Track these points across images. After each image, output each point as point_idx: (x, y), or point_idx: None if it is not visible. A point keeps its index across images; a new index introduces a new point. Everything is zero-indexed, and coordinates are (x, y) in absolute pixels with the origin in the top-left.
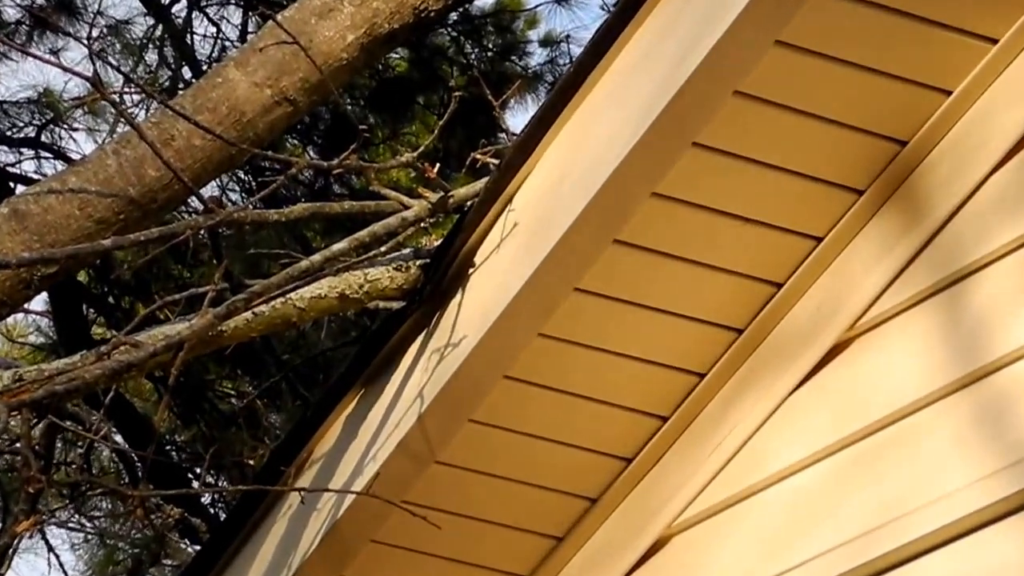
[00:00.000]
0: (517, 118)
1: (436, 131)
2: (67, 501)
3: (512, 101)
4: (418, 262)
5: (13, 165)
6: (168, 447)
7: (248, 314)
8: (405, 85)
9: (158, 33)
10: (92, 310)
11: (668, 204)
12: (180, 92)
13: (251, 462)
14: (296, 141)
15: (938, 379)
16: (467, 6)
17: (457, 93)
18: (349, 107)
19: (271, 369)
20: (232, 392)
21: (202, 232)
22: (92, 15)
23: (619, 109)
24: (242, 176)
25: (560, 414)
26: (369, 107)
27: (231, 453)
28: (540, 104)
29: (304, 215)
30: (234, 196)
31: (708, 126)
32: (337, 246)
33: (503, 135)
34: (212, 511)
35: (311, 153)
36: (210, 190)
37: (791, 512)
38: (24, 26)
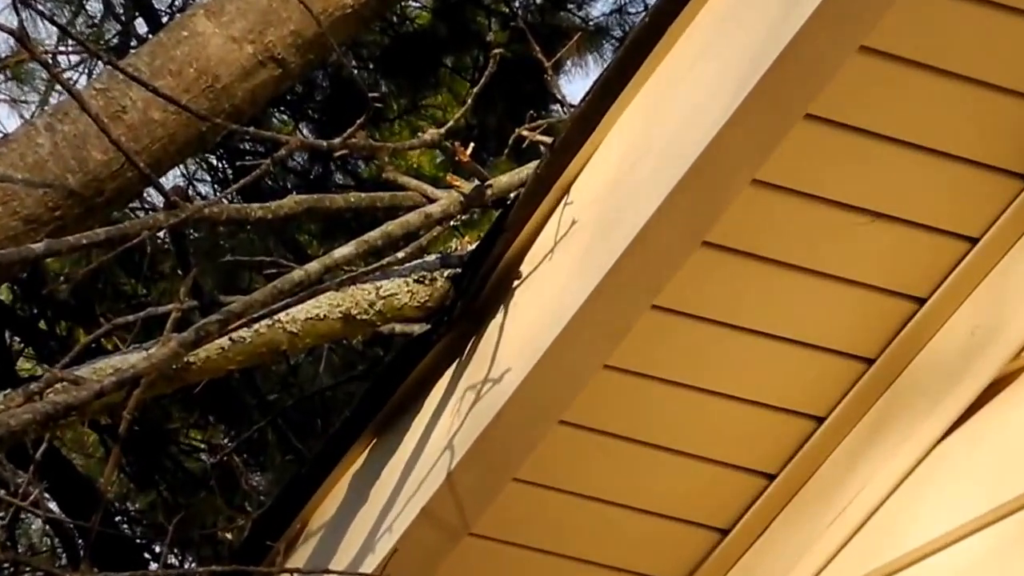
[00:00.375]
0: (575, 84)
1: (469, 101)
2: None
3: (568, 62)
4: (447, 272)
5: None
6: (118, 517)
7: (224, 341)
8: (428, 42)
9: None
10: (17, 338)
11: (773, 195)
12: (133, 50)
13: (228, 536)
14: (286, 115)
15: None
16: None
17: (497, 51)
18: (355, 70)
19: (253, 414)
20: (202, 445)
21: (163, 234)
22: None
23: (709, 72)
24: (214, 162)
25: (633, 471)
26: (381, 70)
27: (201, 524)
28: (605, 66)
29: (297, 211)
30: (204, 188)
31: (825, 92)
32: (340, 251)
33: (557, 106)
34: None
35: (304, 131)
36: (173, 178)
37: None
38: None
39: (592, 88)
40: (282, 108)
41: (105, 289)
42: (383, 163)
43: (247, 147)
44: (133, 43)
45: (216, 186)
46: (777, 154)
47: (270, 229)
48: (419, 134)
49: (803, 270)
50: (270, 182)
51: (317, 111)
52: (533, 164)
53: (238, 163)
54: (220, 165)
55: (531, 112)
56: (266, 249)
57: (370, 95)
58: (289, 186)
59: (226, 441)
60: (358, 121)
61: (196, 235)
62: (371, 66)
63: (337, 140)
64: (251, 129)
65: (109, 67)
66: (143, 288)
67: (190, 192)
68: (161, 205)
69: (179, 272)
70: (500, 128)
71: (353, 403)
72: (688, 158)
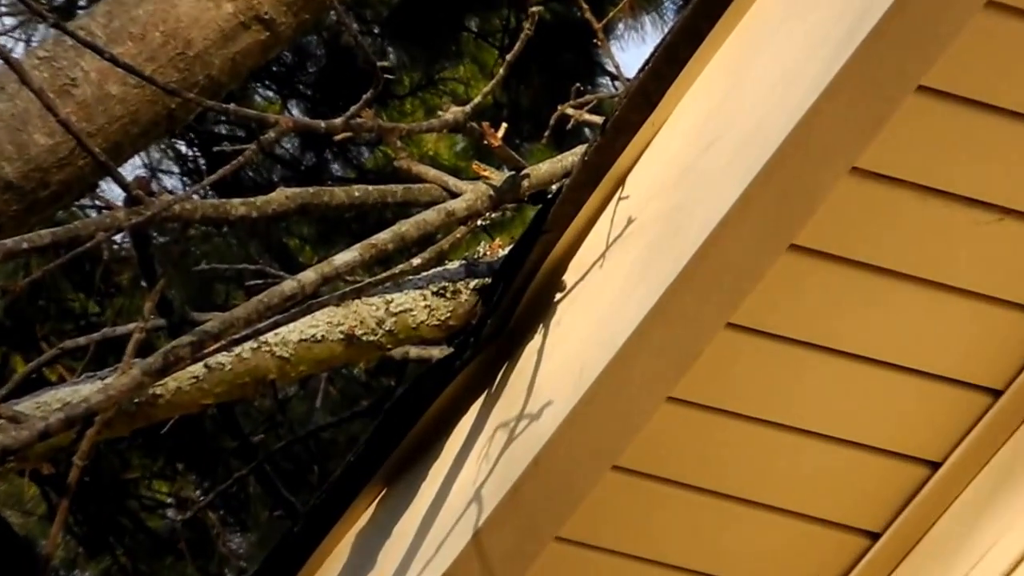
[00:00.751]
0: (629, 52)
1: (501, 72)
2: None
3: (621, 25)
4: (473, 283)
5: None
6: None
7: (198, 369)
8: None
9: None
10: None
11: (877, 186)
12: (85, 10)
13: None
14: (272, 90)
15: None
16: None
17: (533, 10)
18: (358, 35)
19: (232, 460)
20: (168, 499)
21: (122, 236)
22: None
23: (799, 32)
24: (185, 148)
25: (703, 528)
26: (389, 35)
27: None
28: (668, 28)
29: (287, 208)
30: (171, 181)
31: (943, 59)
32: (341, 258)
33: (608, 79)
34: None
35: (295, 111)
36: (134, 168)
37: None
38: None
39: (652, 55)
40: (268, 82)
41: (49, 306)
42: (394, 149)
43: (225, 129)
44: (82, 1)
45: (187, 178)
46: (882, 136)
47: (253, 231)
48: (438, 113)
49: (915, 280)
50: (253, 173)
51: (311, 86)
52: (579, 149)
53: (214, 149)
54: (192, 152)
55: (576, 86)
56: (248, 256)
57: (379, 64)
58: (276, 178)
59: (198, 494)
60: (364, 97)
61: (162, 238)
62: (377, 30)
63: (338, 120)
64: (231, 107)
65: (55, 30)
66: (96, 304)
67: (155, 185)
68: (120, 201)
69: (142, 284)
70: (537, 106)
71: (357, 446)
72: (773, 141)
